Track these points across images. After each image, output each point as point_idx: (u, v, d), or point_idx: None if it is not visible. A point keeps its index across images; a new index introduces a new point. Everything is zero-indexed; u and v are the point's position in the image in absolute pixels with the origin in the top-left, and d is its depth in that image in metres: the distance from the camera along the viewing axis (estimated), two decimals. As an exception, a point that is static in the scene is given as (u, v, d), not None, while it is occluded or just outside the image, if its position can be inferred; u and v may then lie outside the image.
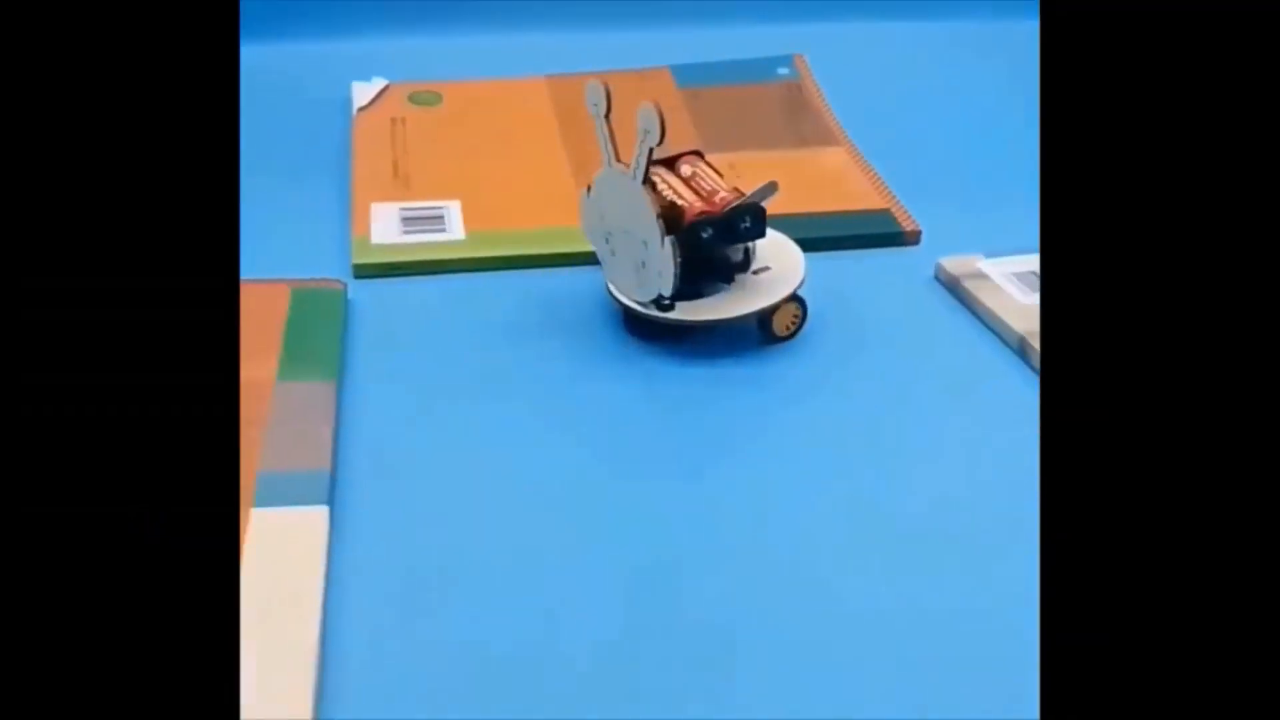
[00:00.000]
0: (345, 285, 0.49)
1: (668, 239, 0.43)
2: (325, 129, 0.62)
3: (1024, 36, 0.69)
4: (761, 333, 0.46)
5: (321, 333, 0.45)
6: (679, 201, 0.44)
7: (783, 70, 0.67)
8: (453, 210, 0.54)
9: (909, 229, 0.54)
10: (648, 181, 0.43)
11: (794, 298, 0.46)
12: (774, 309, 0.46)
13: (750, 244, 0.46)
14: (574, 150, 0.59)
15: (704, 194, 0.45)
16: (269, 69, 0.66)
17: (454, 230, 0.53)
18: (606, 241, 0.46)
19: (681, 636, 0.34)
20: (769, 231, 0.46)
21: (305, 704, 0.30)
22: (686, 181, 0.46)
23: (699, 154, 0.47)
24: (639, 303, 0.45)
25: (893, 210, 0.55)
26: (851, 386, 0.44)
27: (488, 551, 0.36)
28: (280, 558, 0.34)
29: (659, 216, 0.43)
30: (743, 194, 0.45)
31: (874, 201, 0.56)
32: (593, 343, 0.47)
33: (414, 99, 0.63)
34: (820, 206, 0.55)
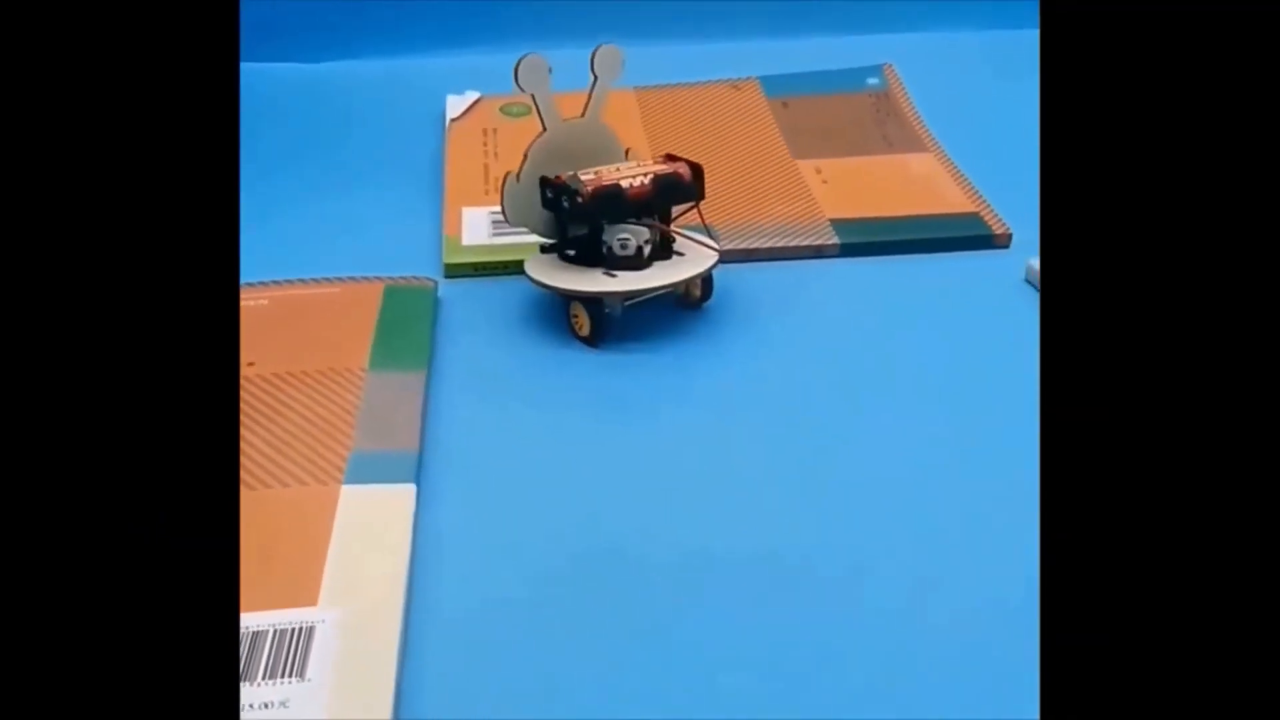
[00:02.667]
0: (436, 283, 0.50)
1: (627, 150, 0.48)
2: (422, 139, 0.64)
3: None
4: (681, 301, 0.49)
5: (412, 326, 0.46)
6: (663, 171, 0.47)
7: (872, 80, 0.67)
8: (541, 213, 0.55)
9: (999, 231, 0.53)
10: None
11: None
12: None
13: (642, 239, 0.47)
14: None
15: (646, 168, 0.47)
16: (372, 83, 0.68)
17: (542, 232, 0.53)
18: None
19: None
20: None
21: (389, 667, 0.31)
22: (608, 174, 0.47)
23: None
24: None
25: (982, 213, 0.55)
26: (932, 385, 0.44)
27: (560, 529, 0.37)
28: (369, 530, 0.35)
29: (618, 138, 0.48)
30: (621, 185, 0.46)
31: (963, 205, 0.55)
32: (664, 340, 0.47)
33: (505, 111, 0.65)
34: (909, 210, 0.55)
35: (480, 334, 0.48)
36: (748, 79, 0.67)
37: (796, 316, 0.48)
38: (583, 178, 0.46)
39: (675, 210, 0.48)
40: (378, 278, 0.50)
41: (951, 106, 0.64)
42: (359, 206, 0.58)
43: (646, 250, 0.46)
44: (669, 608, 0.34)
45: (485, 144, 0.62)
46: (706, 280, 0.48)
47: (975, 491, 0.38)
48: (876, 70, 0.68)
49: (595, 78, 0.48)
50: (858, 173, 0.58)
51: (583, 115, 0.49)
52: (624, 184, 0.46)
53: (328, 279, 0.50)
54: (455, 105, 0.65)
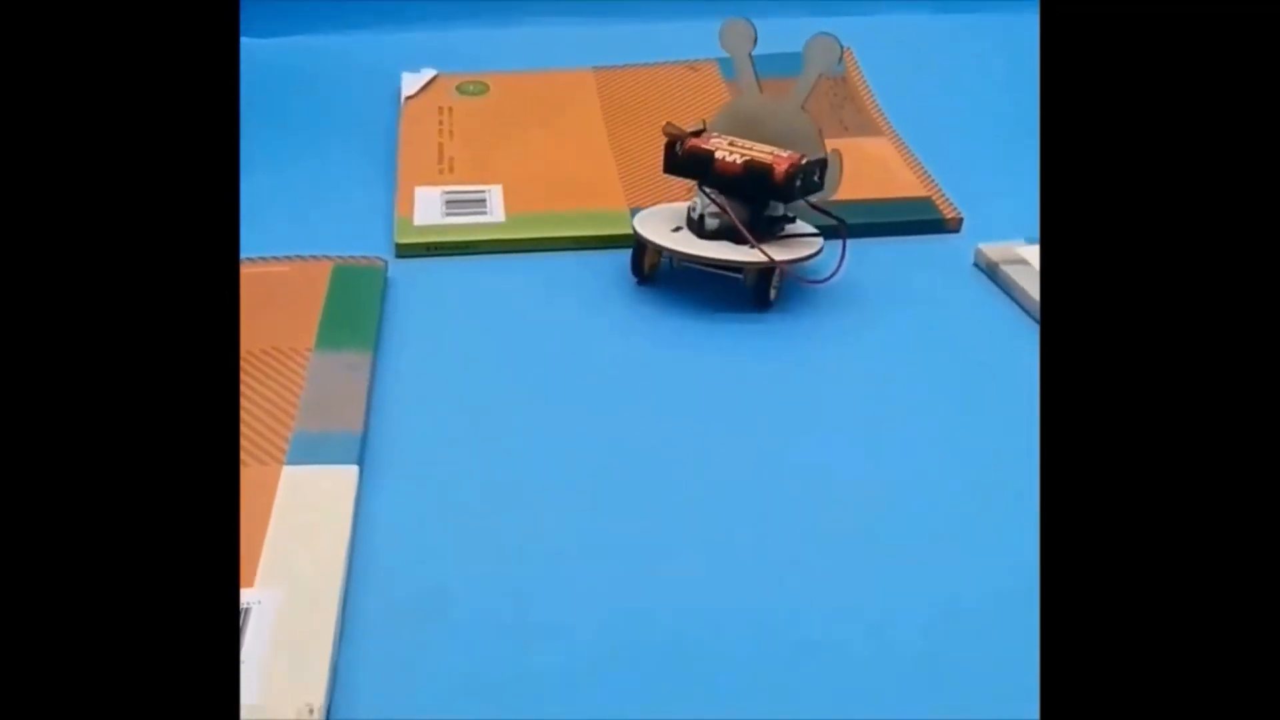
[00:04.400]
0: (386, 263, 0.50)
1: (833, 152, 0.48)
2: (377, 117, 0.63)
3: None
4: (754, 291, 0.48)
5: (360, 307, 0.46)
6: (761, 158, 0.46)
7: (829, 63, 0.67)
8: (494, 194, 0.55)
9: (950, 216, 0.54)
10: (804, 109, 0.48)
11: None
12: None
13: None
14: (617, 138, 0.60)
15: (772, 154, 0.47)
16: (325, 59, 0.68)
17: (495, 213, 0.53)
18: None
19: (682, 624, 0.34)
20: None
21: (325, 649, 0.31)
22: (739, 147, 0.48)
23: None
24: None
25: (934, 198, 0.55)
26: (880, 369, 0.44)
27: (504, 516, 0.37)
28: (309, 511, 0.35)
29: (819, 132, 0.48)
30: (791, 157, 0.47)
31: (916, 189, 0.56)
32: (625, 324, 0.47)
33: (461, 89, 0.64)
34: (862, 194, 0.55)
35: (430, 315, 0.47)
36: (706, 60, 0.67)
37: (744, 297, 0.48)
38: (712, 143, 0.48)
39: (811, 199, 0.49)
40: (327, 257, 0.50)
41: (907, 90, 0.65)
42: (311, 185, 0.57)
43: (709, 223, 0.47)
44: (613, 591, 0.34)
45: (440, 122, 0.61)
46: (761, 282, 0.47)
47: (932, 470, 0.39)
48: (834, 53, 0.68)
49: (806, 65, 0.49)
50: (813, 156, 0.58)
51: (785, 96, 0.49)
52: (720, 155, 0.47)
53: (277, 258, 0.49)
54: (411, 83, 0.65)
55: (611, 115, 0.62)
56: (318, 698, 0.29)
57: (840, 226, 0.48)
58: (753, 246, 0.46)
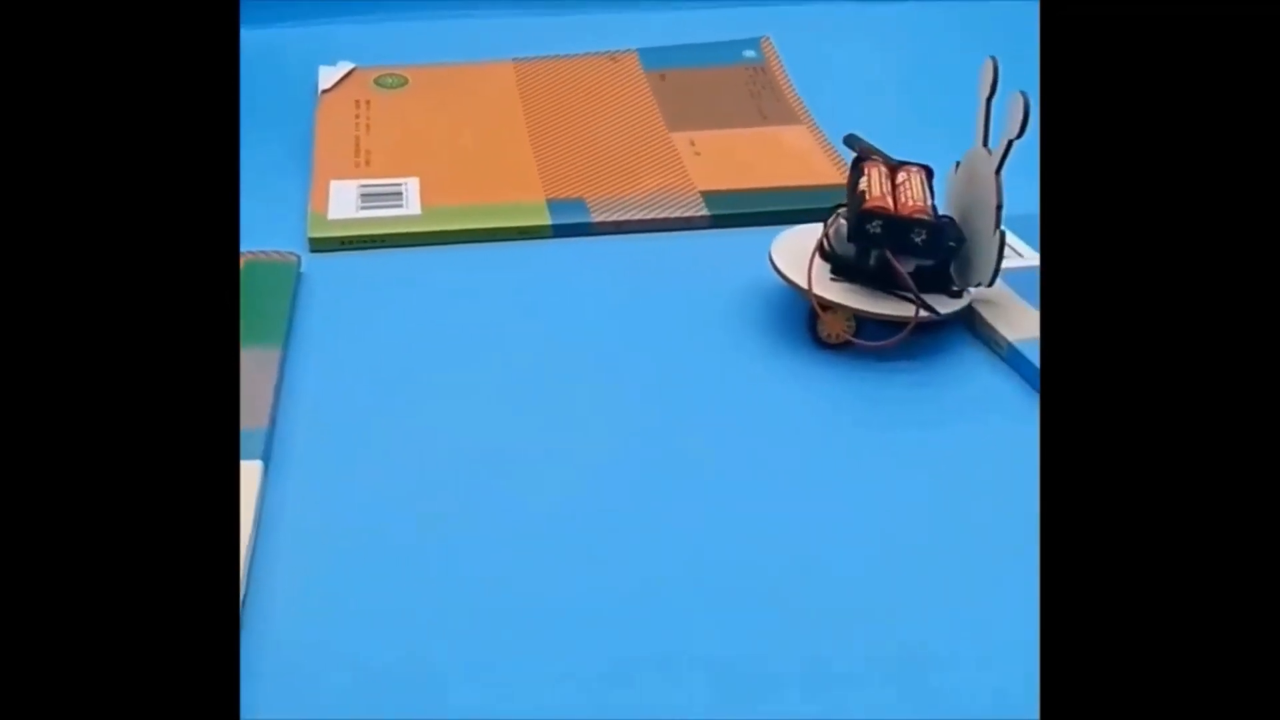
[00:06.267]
0: (299, 258, 0.49)
1: (998, 231, 0.43)
2: (292, 112, 0.62)
3: (988, 15, 0.69)
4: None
5: (271, 301, 0.46)
6: (867, 191, 0.44)
7: (749, 53, 0.67)
8: (411, 186, 0.54)
9: (865, 203, 0.54)
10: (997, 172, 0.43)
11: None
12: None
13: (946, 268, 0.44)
14: (536, 130, 0.59)
15: (894, 196, 0.44)
16: (242, 52, 0.67)
17: (411, 206, 0.53)
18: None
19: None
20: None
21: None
22: (895, 184, 0.45)
23: (928, 170, 0.46)
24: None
25: (850, 185, 0.55)
26: (795, 349, 0.45)
27: (415, 513, 0.37)
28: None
29: (998, 206, 0.43)
30: (938, 216, 0.44)
31: (832, 177, 0.56)
32: (541, 315, 0.47)
33: (379, 82, 0.64)
34: (779, 182, 0.55)
35: (344, 309, 0.47)
36: (626, 51, 0.67)
37: (663, 286, 0.48)
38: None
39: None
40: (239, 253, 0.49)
41: (826, 78, 0.65)
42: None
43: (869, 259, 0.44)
44: (513, 580, 0.34)
45: (357, 116, 0.61)
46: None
47: (882, 464, 0.39)
48: (754, 43, 0.68)
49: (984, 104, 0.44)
50: (731, 145, 0.59)
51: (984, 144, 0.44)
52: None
53: (186, 254, 0.49)
54: (327, 76, 0.64)
55: (531, 107, 0.62)
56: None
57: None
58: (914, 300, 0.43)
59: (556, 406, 0.41)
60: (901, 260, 0.42)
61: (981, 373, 0.44)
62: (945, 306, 0.44)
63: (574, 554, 0.35)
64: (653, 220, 0.53)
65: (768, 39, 0.68)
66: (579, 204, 0.53)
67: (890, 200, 0.43)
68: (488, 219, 0.52)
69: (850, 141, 0.45)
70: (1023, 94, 0.41)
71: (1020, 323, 0.44)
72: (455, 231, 0.51)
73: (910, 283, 0.42)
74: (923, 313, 0.43)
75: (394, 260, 0.50)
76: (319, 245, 0.51)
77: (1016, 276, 0.47)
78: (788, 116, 0.62)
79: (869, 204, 0.43)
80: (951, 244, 0.44)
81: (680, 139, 0.59)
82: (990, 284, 0.44)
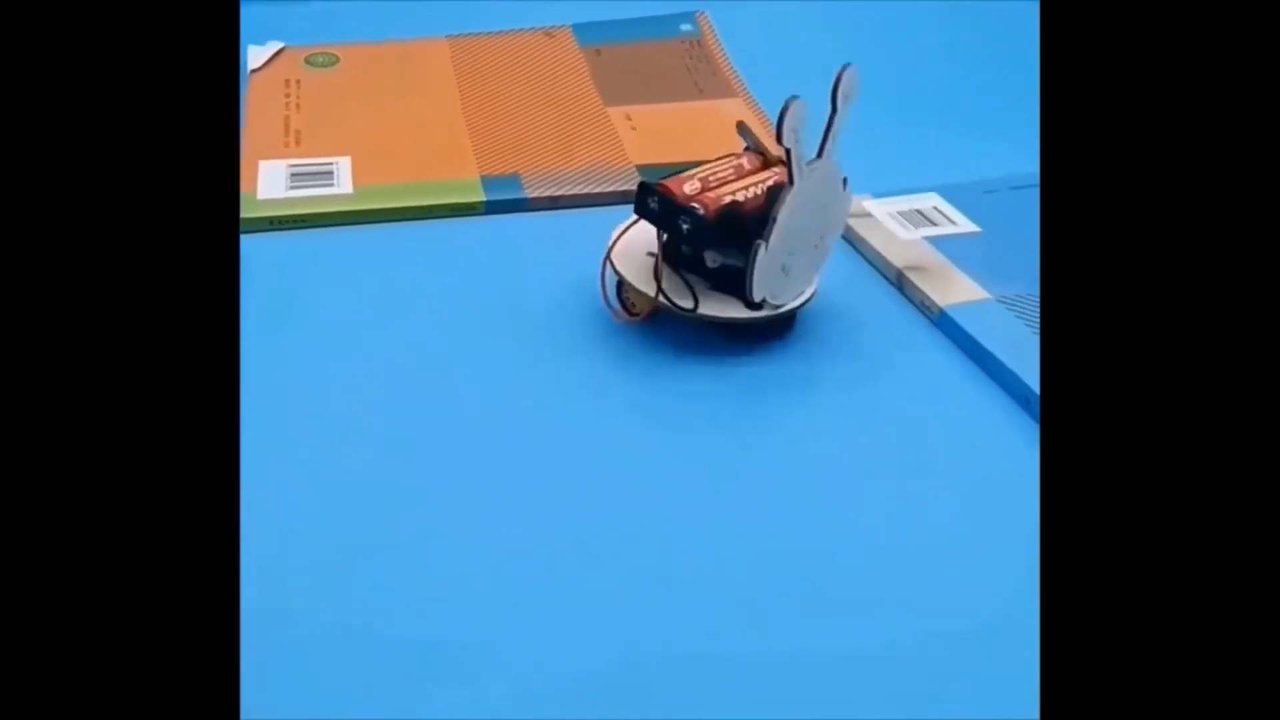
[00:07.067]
0: (228, 239, 0.48)
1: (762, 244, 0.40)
2: (221, 92, 0.61)
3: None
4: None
5: (198, 283, 0.45)
6: (687, 173, 0.43)
7: (685, 27, 0.67)
8: (342, 165, 0.54)
9: (801, 174, 0.54)
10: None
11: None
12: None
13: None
14: (471, 106, 0.59)
15: (717, 184, 0.42)
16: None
17: (342, 185, 0.52)
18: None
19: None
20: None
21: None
22: (737, 177, 0.43)
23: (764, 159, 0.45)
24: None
25: (784, 156, 0.55)
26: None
27: (352, 491, 0.36)
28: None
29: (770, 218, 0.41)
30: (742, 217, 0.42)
31: (770, 149, 0.56)
32: (471, 292, 0.46)
33: (310, 61, 0.63)
34: (715, 154, 0.55)
35: (273, 291, 0.46)
36: (561, 26, 0.67)
37: (596, 260, 0.48)
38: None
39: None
40: (165, 235, 0.48)
41: (762, 50, 0.65)
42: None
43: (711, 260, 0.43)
44: (450, 546, 0.34)
45: (287, 95, 0.60)
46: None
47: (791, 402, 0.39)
48: (690, 17, 0.68)
49: (836, 108, 0.43)
50: (667, 119, 0.59)
51: (819, 155, 0.43)
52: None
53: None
54: (256, 55, 0.63)
55: (466, 83, 0.61)
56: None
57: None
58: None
59: (492, 383, 0.41)
60: (714, 254, 0.42)
61: (914, 336, 0.44)
62: (725, 309, 0.42)
63: (514, 525, 0.35)
64: (588, 195, 0.52)
65: (704, 13, 0.68)
66: (513, 180, 0.53)
67: (703, 185, 0.42)
68: (421, 196, 0.52)
69: (741, 130, 0.44)
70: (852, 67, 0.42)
71: (951, 289, 0.45)
72: (388, 210, 0.51)
73: (660, 261, 0.42)
74: (668, 301, 0.41)
75: (326, 240, 0.50)
76: (248, 226, 0.50)
77: (949, 243, 0.48)
78: (724, 90, 0.61)
79: (664, 181, 0.42)
80: (712, 252, 0.41)
81: (616, 114, 0.59)
82: (761, 307, 0.41)
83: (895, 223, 0.49)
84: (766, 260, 0.41)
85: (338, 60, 0.63)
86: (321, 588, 0.33)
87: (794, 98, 0.40)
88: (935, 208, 0.50)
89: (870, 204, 0.51)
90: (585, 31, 0.66)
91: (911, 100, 0.61)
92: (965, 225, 0.49)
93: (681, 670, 0.30)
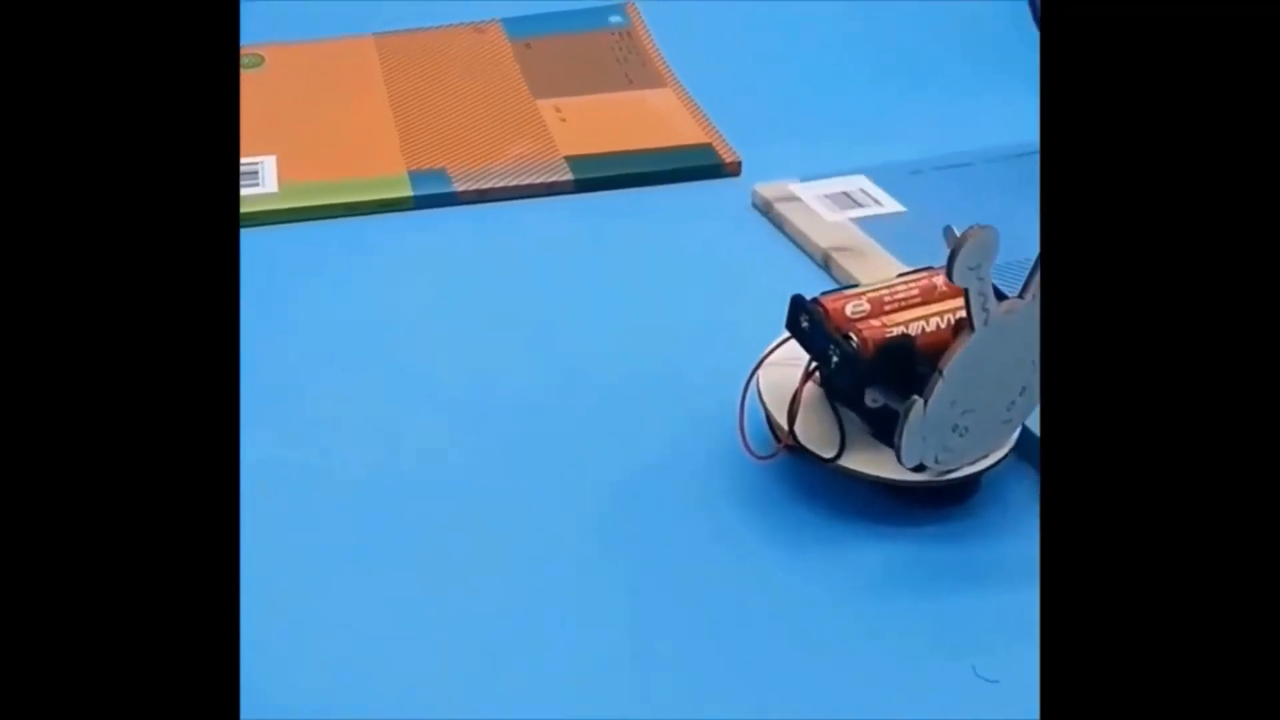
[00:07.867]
0: (151, 242, 0.48)
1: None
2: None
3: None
4: None
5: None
6: (859, 289, 0.35)
7: (615, 18, 0.67)
8: (267, 164, 0.53)
9: (729, 160, 0.54)
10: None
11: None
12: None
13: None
14: (399, 103, 0.58)
15: (887, 308, 0.34)
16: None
17: (268, 184, 0.52)
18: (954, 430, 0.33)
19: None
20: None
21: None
22: (919, 301, 0.35)
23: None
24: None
25: (714, 144, 0.55)
26: (657, 310, 0.45)
27: (275, 494, 0.36)
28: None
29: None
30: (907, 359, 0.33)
31: (697, 137, 0.56)
32: (399, 287, 0.46)
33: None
34: (644, 144, 0.55)
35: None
36: (490, 21, 0.66)
37: (528, 252, 0.48)
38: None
39: None
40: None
41: (691, 40, 0.65)
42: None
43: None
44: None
45: (212, 97, 0.59)
46: None
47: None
48: (619, 8, 0.68)
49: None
50: (596, 110, 0.59)
51: (1023, 294, 0.33)
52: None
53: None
54: (181, 58, 0.62)
55: (394, 80, 0.61)
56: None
57: None
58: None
59: (420, 378, 0.41)
60: (875, 392, 0.34)
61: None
62: (876, 464, 0.34)
63: (455, 518, 0.35)
64: (517, 187, 0.52)
65: (633, 4, 0.68)
66: (440, 174, 0.53)
67: (873, 308, 0.34)
68: (347, 193, 0.51)
69: (946, 235, 0.31)
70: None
71: (875, 267, 0.45)
72: (314, 207, 0.50)
73: (799, 391, 0.34)
74: (797, 444, 0.34)
75: (251, 240, 0.49)
76: (172, 228, 0.49)
77: (875, 224, 0.48)
78: (653, 80, 0.61)
79: (825, 297, 0.34)
80: (874, 391, 0.33)
81: (545, 106, 0.59)
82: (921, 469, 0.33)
83: (822, 206, 0.49)
84: (926, 421, 0.32)
85: (263, 61, 0.62)
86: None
87: (976, 227, 0.30)
88: (863, 190, 0.51)
89: (796, 187, 0.51)
90: (514, 25, 0.66)
91: (845, 87, 0.61)
92: (891, 205, 0.50)
93: None
